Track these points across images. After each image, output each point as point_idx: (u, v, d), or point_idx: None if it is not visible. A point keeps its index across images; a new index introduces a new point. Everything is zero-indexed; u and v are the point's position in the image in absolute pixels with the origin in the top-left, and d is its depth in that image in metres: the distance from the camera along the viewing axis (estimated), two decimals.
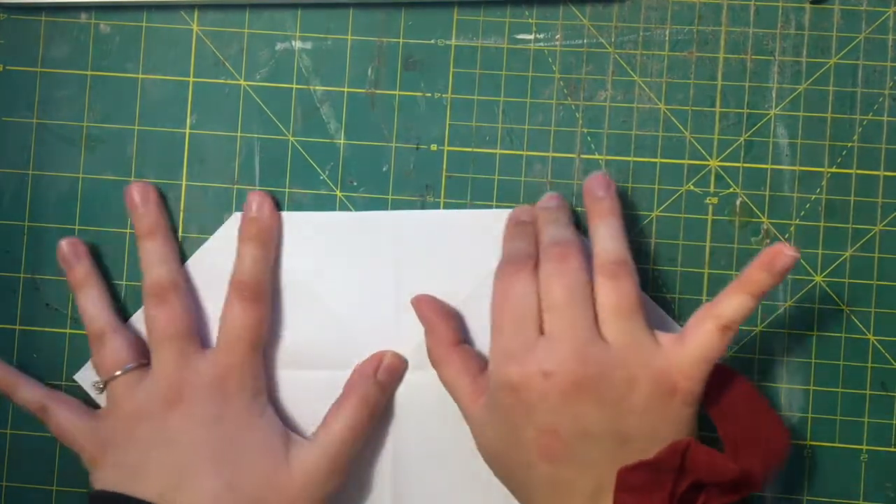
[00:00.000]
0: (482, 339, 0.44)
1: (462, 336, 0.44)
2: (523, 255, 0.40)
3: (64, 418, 0.43)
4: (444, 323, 0.43)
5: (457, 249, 0.45)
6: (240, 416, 0.42)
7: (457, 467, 0.44)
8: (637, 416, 0.38)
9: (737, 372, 0.40)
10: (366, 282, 0.45)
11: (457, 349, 0.43)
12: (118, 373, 0.42)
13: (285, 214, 0.46)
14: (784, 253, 0.38)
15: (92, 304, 0.44)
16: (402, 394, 0.45)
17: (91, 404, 0.45)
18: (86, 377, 0.45)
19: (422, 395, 0.45)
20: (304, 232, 0.45)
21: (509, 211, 0.45)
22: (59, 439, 0.43)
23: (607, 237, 0.40)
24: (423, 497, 0.45)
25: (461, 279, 0.45)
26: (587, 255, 0.40)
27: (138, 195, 0.45)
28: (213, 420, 0.41)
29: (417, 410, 0.45)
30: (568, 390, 0.37)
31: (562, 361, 0.38)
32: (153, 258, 0.44)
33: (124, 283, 0.46)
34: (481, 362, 0.43)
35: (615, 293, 0.39)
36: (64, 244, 0.45)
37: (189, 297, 0.44)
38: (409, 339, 0.45)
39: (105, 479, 0.41)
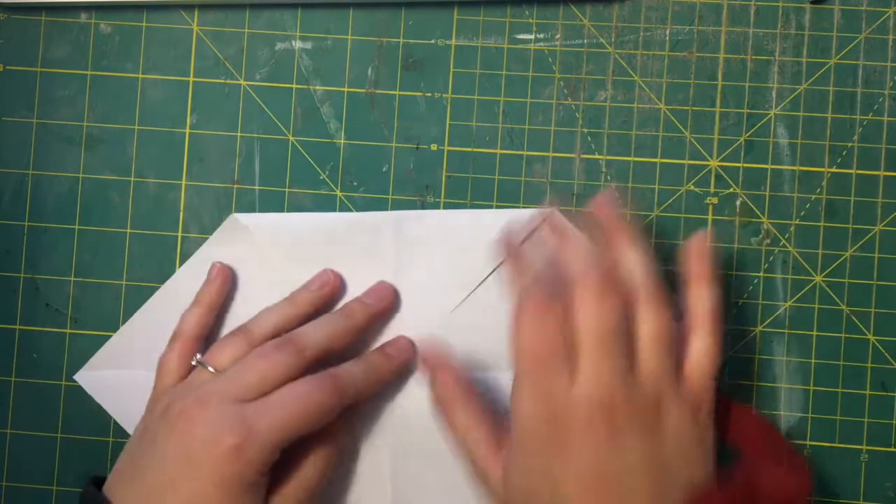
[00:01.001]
0: (474, 347, 0.45)
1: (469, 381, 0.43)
2: (543, 292, 0.38)
3: (172, 358, 0.42)
4: (451, 368, 0.42)
5: (457, 249, 0.45)
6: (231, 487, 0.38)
7: (456, 465, 0.44)
8: (671, 441, 0.38)
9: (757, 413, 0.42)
10: (366, 282, 0.45)
11: (471, 392, 0.42)
12: (210, 368, 0.41)
13: (285, 216, 0.46)
14: (696, 241, 0.41)
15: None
16: (402, 393, 0.45)
17: (91, 404, 0.45)
18: (85, 377, 0.45)
19: (420, 395, 0.45)
20: (304, 233, 0.45)
21: (510, 211, 0.45)
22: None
23: (640, 263, 0.39)
24: (423, 496, 0.45)
25: (462, 278, 0.45)
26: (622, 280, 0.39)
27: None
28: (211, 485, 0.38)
29: (416, 410, 0.45)
30: (607, 426, 0.37)
31: (600, 399, 0.37)
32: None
33: (124, 282, 0.46)
34: (496, 411, 0.42)
35: (655, 323, 0.38)
36: (214, 266, 0.45)
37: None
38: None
39: (118, 463, 0.41)
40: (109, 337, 0.46)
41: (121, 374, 0.45)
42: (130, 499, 0.38)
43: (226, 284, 0.45)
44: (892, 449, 0.45)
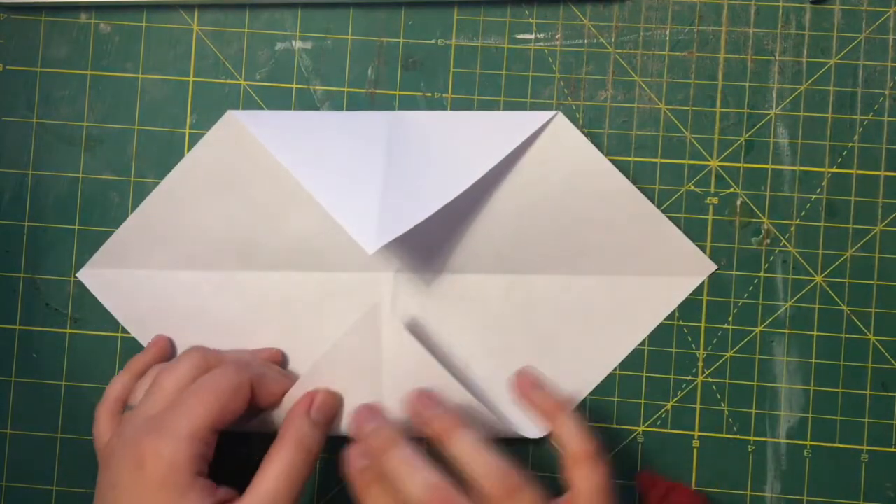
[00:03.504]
0: (460, 241, 0.45)
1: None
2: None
3: (100, 427, 0.42)
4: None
5: (451, 147, 0.44)
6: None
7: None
8: None
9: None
10: (357, 176, 0.43)
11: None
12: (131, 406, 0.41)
13: (280, 113, 0.46)
14: (522, 374, 0.42)
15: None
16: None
17: (91, 405, 0.45)
18: (87, 275, 0.46)
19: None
20: (298, 130, 0.44)
21: (509, 112, 0.45)
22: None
23: (475, 454, 0.38)
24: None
25: (455, 176, 0.43)
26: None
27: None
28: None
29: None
30: None
31: None
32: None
33: None
34: None
35: None
36: (154, 337, 0.45)
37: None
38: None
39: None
40: (109, 337, 0.46)
41: (120, 272, 0.46)
42: None
43: (158, 356, 0.45)
44: (892, 449, 0.45)
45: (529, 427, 0.45)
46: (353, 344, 0.42)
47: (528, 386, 0.42)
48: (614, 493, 0.38)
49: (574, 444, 0.39)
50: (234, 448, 0.43)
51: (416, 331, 0.45)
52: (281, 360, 0.45)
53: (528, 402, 0.41)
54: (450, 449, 0.38)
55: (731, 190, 0.45)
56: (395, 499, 0.37)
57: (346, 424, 0.42)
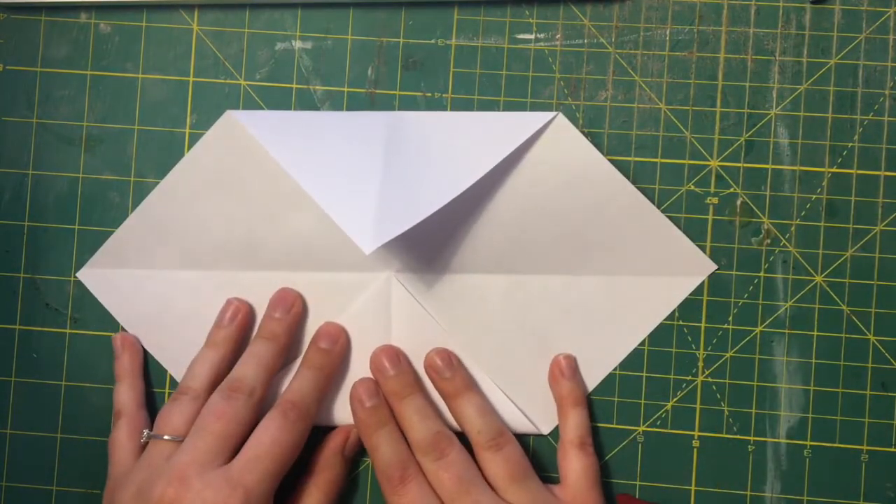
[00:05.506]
0: (457, 244, 0.45)
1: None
2: (400, 463, 0.41)
3: (121, 436, 0.43)
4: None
5: (451, 147, 0.44)
6: None
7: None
8: None
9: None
10: (355, 176, 0.43)
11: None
12: (166, 437, 0.41)
13: (279, 113, 0.46)
14: (560, 360, 0.44)
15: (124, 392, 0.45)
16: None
17: (91, 405, 0.45)
18: (87, 275, 0.46)
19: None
20: (297, 129, 0.44)
21: (510, 113, 0.45)
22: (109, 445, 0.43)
23: (475, 415, 0.43)
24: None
25: (454, 176, 0.43)
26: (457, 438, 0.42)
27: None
28: None
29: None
30: None
31: None
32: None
33: None
34: None
35: (504, 464, 0.42)
36: (117, 338, 0.45)
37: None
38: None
39: None
40: (109, 337, 0.46)
41: (120, 272, 0.46)
42: None
43: (136, 352, 0.45)
44: (892, 449, 0.45)
45: (527, 423, 0.45)
46: (364, 319, 0.45)
47: (557, 373, 0.45)
48: (600, 480, 0.43)
49: (569, 433, 0.44)
50: None
51: (417, 330, 0.45)
52: (301, 310, 0.45)
53: (552, 387, 0.45)
54: (457, 407, 0.43)
55: (731, 190, 0.45)
56: (400, 443, 0.42)
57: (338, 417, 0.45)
